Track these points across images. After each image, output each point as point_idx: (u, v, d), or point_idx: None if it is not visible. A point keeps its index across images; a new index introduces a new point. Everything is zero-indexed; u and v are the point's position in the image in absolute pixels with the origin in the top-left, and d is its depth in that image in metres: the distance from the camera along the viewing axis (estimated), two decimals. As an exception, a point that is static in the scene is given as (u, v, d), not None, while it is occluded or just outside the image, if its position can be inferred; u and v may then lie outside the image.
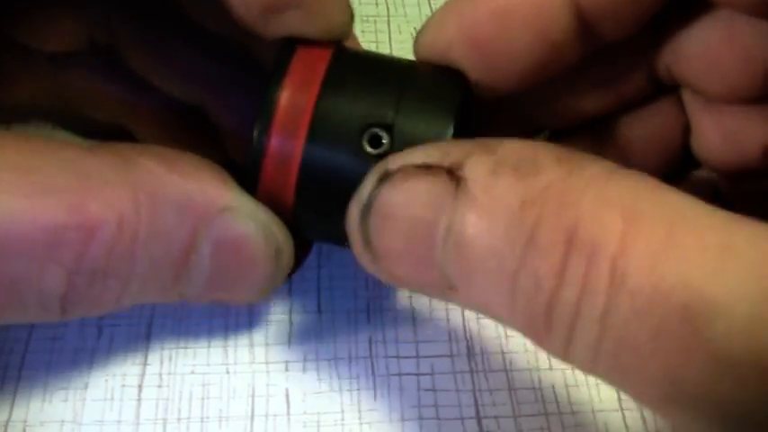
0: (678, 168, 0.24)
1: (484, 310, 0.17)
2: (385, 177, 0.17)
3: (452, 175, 0.16)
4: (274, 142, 0.19)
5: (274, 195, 0.19)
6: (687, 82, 0.21)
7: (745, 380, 0.13)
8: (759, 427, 0.13)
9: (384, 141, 0.19)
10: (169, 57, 0.25)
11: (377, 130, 0.19)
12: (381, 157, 0.18)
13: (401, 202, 0.17)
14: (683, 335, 0.13)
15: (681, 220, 0.14)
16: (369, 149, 0.19)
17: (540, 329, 0.15)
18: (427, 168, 0.17)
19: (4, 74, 0.24)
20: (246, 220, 0.19)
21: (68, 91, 0.26)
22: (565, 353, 0.15)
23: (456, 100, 0.19)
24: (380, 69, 0.20)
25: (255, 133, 0.19)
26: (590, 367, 0.15)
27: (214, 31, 0.24)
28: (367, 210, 0.17)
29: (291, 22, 0.19)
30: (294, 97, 0.19)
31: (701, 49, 0.20)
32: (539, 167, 0.15)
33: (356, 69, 0.20)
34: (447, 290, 0.17)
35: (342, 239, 0.19)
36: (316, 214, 0.20)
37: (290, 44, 0.20)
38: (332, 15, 0.20)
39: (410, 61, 0.21)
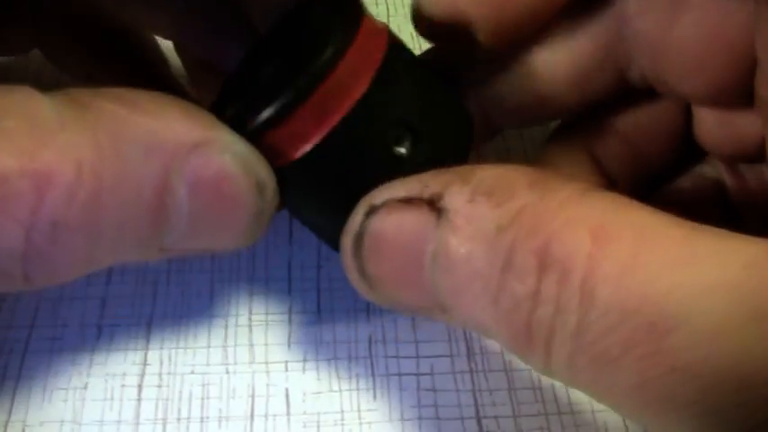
0: (684, 157, 0.24)
1: (476, 329, 0.18)
2: (371, 211, 0.18)
3: (433, 206, 0.17)
4: (311, 108, 0.18)
5: (276, 153, 0.19)
6: (666, 87, 0.21)
7: (707, 389, 0.14)
8: None
9: (406, 142, 0.19)
10: None
11: (404, 132, 0.19)
12: (398, 159, 0.19)
13: (389, 233, 0.18)
14: (649, 348, 0.14)
15: (646, 237, 0.15)
16: (395, 148, 0.19)
17: (523, 346, 0.16)
18: (409, 201, 0.17)
19: None
20: (222, 154, 0.18)
21: (46, 38, 0.26)
22: (546, 368, 0.16)
23: (468, 139, 0.21)
24: (423, 79, 0.20)
25: (297, 85, 0.18)
26: (569, 381, 0.16)
27: None
28: (359, 242, 0.18)
29: None
30: (348, 74, 0.18)
31: (679, 46, 0.20)
32: (512, 193, 0.16)
33: (404, 72, 0.20)
34: (441, 312, 0.18)
35: (314, 223, 0.20)
36: (308, 190, 0.20)
37: (353, 9, 0.19)
38: None
39: (438, 77, 0.21)
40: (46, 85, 0.33)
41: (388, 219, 0.18)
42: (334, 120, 0.18)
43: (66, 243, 0.16)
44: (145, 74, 0.27)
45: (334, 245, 0.20)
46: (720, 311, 0.13)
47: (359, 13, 0.19)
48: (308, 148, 0.19)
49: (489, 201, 0.16)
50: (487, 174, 0.17)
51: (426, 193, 0.17)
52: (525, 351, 0.16)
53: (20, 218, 0.15)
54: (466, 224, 0.16)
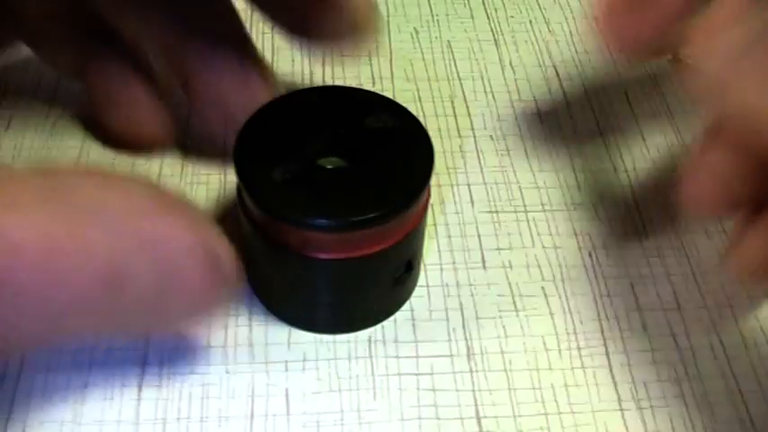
0: None
1: None
2: None
3: None
4: (359, 235, 0.21)
5: (298, 243, 0.21)
6: None
7: None
8: None
9: (402, 269, 0.24)
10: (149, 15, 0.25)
11: (404, 264, 0.24)
12: (394, 280, 0.24)
13: None
14: None
15: None
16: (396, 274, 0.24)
17: None
18: None
19: None
20: (183, 232, 0.18)
21: (33, 34, 0.27)
22: None
23: None
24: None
25: (368, 218, 0.21)
26: None
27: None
28: None
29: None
30: (401, 223, 0.22)
31: None
32: None
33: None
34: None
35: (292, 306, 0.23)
36: (307, 282, 0.22)
37: (427, 179, 0.22)
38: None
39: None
40: (46, 85, 0.33)
41: None
42: (366, 252, 0.21)
43: (29, 311, 0.16)
44: (139, 74, 0.27)
45: (292, 322, 0.24)
46: None
47: (429, 180, 0.22)
48: (331, 257, 0.21)
49: None
50: None
51: None
52: None
53: None
54: None
